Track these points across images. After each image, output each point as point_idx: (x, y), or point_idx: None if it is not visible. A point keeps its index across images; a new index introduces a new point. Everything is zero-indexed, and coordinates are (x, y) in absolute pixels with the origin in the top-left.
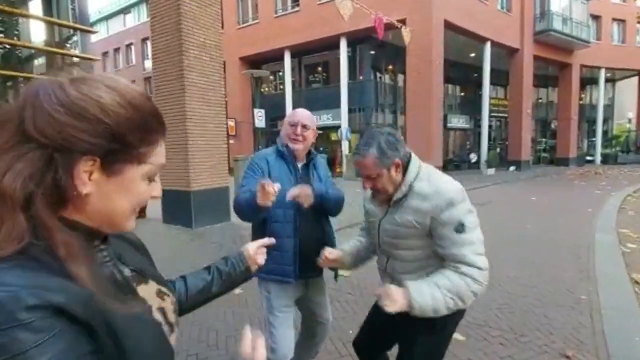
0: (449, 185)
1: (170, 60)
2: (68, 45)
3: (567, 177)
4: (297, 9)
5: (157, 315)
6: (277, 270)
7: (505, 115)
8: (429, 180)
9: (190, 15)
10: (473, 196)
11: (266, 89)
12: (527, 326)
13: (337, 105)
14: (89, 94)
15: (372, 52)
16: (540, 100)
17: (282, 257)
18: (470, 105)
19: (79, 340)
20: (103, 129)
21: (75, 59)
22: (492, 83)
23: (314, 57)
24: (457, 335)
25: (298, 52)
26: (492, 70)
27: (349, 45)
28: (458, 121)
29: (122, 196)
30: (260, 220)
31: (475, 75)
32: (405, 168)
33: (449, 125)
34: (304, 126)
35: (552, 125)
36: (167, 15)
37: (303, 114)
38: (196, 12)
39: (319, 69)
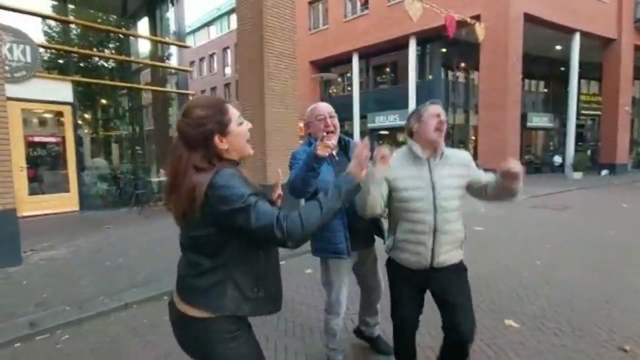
0: None
1: (253, 69)
2: (166, 59)
3: None
4: (366, 12)
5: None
6: (331, 249)
7: (599, 113)
8: None
9: (271, 30)
10: (550, 200)
11: (334, 91)
12: (587, 323)
13: (405, 105)
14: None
15: (443, 50)
16: None
17: (334, 237)
18: (556, 103)
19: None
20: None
21: (173, 71)
22: (583, 77)
23: (382, 58)
24: (511, 322)
25: (366, 54)
26: (584, 64)
27: (418, 44)
28: (540, 120)
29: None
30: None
31: (562, 69)
32: None
33: (529, 124)
34: (332, 116)
35: None
36: (253, 30)
37: (325, 106)
38: (276, 27)
39: (387, 69)
